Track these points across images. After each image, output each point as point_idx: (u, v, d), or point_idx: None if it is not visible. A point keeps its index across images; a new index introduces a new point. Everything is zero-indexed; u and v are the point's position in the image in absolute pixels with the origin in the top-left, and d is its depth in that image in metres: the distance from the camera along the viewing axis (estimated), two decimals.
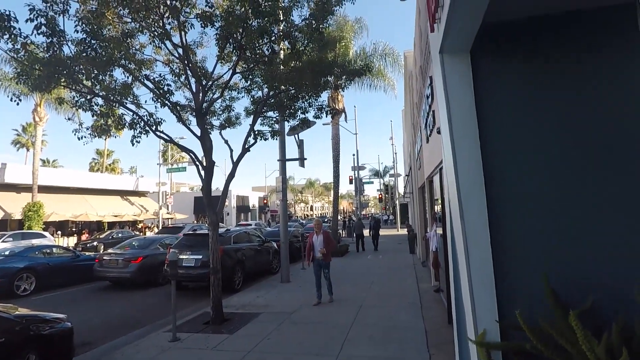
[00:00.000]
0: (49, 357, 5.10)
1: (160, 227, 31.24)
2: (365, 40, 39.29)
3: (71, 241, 26.57)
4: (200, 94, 7.77)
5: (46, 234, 21.67)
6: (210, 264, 7.66)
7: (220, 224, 8.23)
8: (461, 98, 3.66)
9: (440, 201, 7.28)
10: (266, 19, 6.95)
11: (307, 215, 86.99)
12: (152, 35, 7.16)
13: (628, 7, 3.42)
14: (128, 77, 7.24)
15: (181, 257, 10.33)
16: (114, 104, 7.24)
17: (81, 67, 6.24)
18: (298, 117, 9.61)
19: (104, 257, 12.18)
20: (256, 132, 8.93)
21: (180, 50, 7.33)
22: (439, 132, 5.00)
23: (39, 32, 5.72)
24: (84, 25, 6.17)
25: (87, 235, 27.24)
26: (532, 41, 3.67)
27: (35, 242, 18.20)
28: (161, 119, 7.52)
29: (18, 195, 25.90)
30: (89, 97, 6.93)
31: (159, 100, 7.43)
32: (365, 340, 6.13)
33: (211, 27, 6.93)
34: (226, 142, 8.81)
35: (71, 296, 10.92)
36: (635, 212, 3.30)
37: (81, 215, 28.30)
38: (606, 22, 3.51)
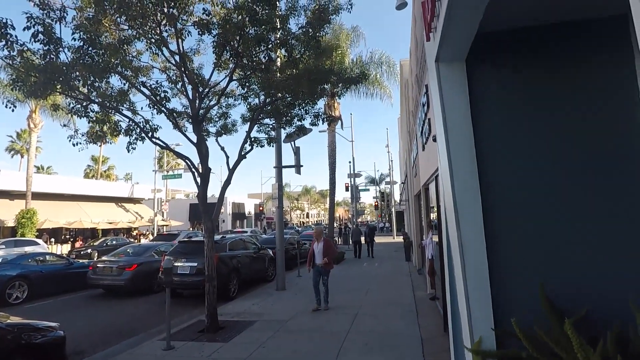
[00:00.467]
0: None
1: (155, 234, 31.04)
2: (361, 49, 39.57)
3: (65, 248, 26.31)
4: (197, 101, 7.78)
5: (39, 241, 21.46)
6: (206, 271, 7.61)
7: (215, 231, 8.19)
8: (457, 106, 3.70)
9: (436, 209, 7.29)
10: (263, 27, 7.00)
11: (303, 222, 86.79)
12: (149, 42, 7.18)
13: (619, 18, 3.48)
14: (124, 84, 7.24)
15: (176, 264, 10.26)
16: (110, 111, 7.23)
17: (77, 73, 6.25)
18: (294, 125, 9.63)
19: (98, 265, 12.06)
20: (252, 139, 8.94)
21: (177, 58, 7.36)
22: (434, 140, 5.03)
23: (36, 40, 5.72)
24: (81, 32, 6.17)
25: (81, 242, 26.99)
26: (526, 51, 3.72)
27: (28, 249, 18.01)
28: (157, 126, 7.53)
29: (11, 202, 25.68)
30: (85, 103, 6.92)
31: (156, 107, 7.43)
32: (361, 348, 6.09)
33: (208, 35, 6.98)
34: (222, 148, 8.81)
35: (64, 304, 10.79)
36: (629, 220, 3.32)
37: (75, 222, 28.07)
38: (598, 32, 3.57)
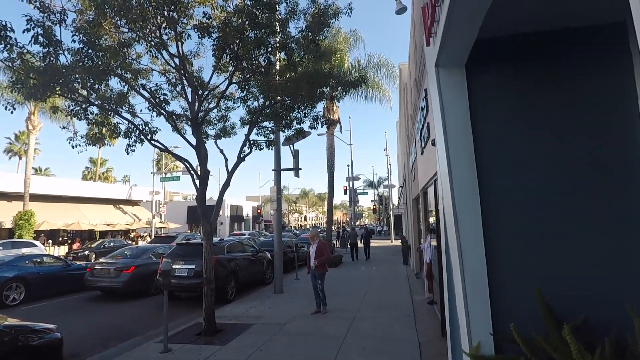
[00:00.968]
0: None
1: (153, 237, 30.96)
2: (360, 52, 39.78)
3: (62, 250, 26.23)
4: (196, 104, 7.78)
5: (37, 242, 21.39)
6: (204, 273, 7.59)
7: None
8: (456, 110, 3.72)
9: (434, 213, 7.30)
10: (263, 30, 7.02)
11: (301, 225, 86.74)
12: (148, 45, 7.20)
13: (618, 25, 3.50)
14: (124, 87, 7.25)
15: (174, 266, 10.23)
16: (110, 113, 7.24)
17: (77, 76, 6.25)
18: (293, 128, 9.64)
19: (96, 267, 12.02)
20: (251, 142, 8.95)
21: (176, 60, 7.37)
22: (433, 144, 5.05)
23: (36, 42, 5.72)
24: (80, 35, 6.18)
25: (78, 244, 26.90)
26: (525, 56, 3.74)
27: (26, 251, 17.93)
28: (156, 128, 7.53)
29: (9, 203, 25.60)
30: (84, 105, 6.92)
31: (155, 109, 7.44)
32: (359, 352, 6.08)
33: (208, 38, 6.99)
34: (221, 151, 8.82)
35: (61, 306, 10.75)
36: (628, 226, 3.34)
37: (73, 224, 27.99)
38: (597, 39, 3.60)
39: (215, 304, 7.65)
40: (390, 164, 42.52)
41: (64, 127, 7.66)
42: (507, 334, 3.16)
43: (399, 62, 18.04)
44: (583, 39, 3.63)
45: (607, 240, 3.36)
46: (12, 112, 6.84)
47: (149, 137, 7.42)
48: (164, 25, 6.79)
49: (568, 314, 3.19)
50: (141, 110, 7.59)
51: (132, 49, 7.42)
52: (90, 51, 6.25)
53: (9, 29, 5.51)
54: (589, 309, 3.21)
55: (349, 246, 22.84)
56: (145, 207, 38.54)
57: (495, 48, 3.76)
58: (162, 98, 7.34)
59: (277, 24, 7.49)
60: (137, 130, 7.32)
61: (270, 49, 7.60)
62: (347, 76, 15.04)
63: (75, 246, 26.32)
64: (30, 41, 5.68)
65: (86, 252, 22.39)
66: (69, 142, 7.19)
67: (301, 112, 9.03)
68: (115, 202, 35.20)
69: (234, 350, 6.34)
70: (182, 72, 7.41)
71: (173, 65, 7.54)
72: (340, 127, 23.78)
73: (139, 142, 7.42)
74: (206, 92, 8.01)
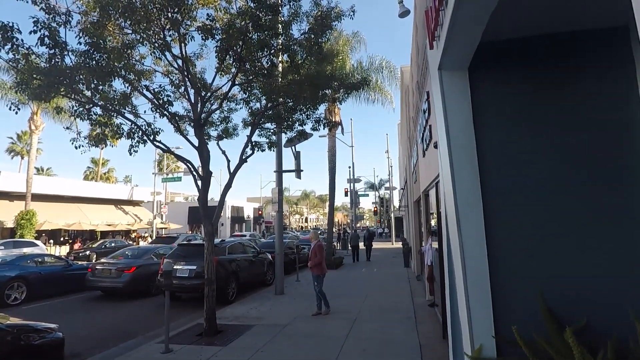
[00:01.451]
0: None
1: (154, 237, 30.98)
2: (362, 54, 39.77)
3: (63, 250, 26.25)
4: (199, 105, 7.81)
5: (38, 242, 21.41)
6: (205, 274, 7.60)
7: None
8: (459, 113, 3.73)
9: (436, 215, 7.31)
10: (266, 32, 7.05)
11: (302, 227, 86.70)
12: (152, 46, 7.23)
13: (621, 29, 3.52)
14: (127, 88, 7.27)
15: (175, 267, 10.24)
16: (113, 114, 7.26)
17: (82, 77, 6.28)
18: (295, 129, 9.66)
19: (97, 267, 12.04)
20: (253, 143, 8.98)
21: (180, 62, 7.40)
22: (435, 147, 5.06)
23: (42, 44, 5.76)
24: (85, 36, 6.22)
25: (79, 244, 26.93)
26: (528, 59, 3.76)
27: (27, 250, 17.96)
28: (159, 129, 7.55)
29: (11, 203, 25.65)
30: (88, 106, 6.95)
31: (158, 110, 7.46)
32: (360, 354, 6.08)
33: (211, 40, 7.01)
34: (223, 152, 8.84)
35: (62, 306, 10.76)
36: (631, 231, 3.34)
37: (74, 224, 28.03)
38: (599, 43, 3.61)
39: (216, 305, 7.66)
40: (391, 166, 42.55)
41: (67, 128, 7.67)
42: (509, 336, 3.17)
43: (400, 64, 18.07)
44: (585, 42, 3.65)
45: (609, 242, 3.37)
46: (16, 113, 6.89)
47: (151, 138, 7.45)
48: (167, 26, 6.82)
49: (570, 316, 3.20)
50: (145, 112, 7.60)
51: (136, 50, 7.46)
52: (94, 52, 6.28)
53: (15, 30, 5.54)
54: (591, 312, 3.21)
55: (350, 248, 22.96)
56: (146, 207, 38.59)
57: (498, 51, 3.78)
58: (165, 99, 7.36)
59: (280, 26, 7.53)
60: (140, 131, 7.34)
61: (273, 51, 7.63)
62: (349, 78, 15.06)
63: (76, 246, 26.35)
64: (37, 43, 5.72)
65: (87, 252, 22.40)
66: (72, 143, 7.22)
67: (303, 114, 9.05)
68: (117, 203, 35.25)
69: (235, 352, 6.35)
70: (185, 73, 7.44)
71: (176, 66, 7.57)
72: (342, 129, 23.82)
73: (141, 143, 7.44)
74: (209, 94, 8.03)
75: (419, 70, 8.48)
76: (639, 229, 3.32)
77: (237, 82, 8.09)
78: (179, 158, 8.19)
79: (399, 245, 25.99)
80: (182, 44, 7.12)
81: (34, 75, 6.02)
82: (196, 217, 45.49)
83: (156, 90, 7.36)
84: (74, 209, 29.72)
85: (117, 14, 6.31)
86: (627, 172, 3.43)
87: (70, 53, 6.28)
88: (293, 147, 12.81)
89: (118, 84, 7.22)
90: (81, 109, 6.98)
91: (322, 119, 9.64)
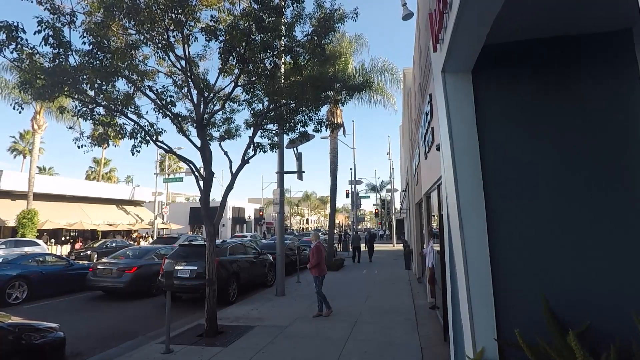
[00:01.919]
0: None
1: (155, 237, 30.99)
2: (364, 56, 39.82)
3: (65, 249, 26.28)
4: (202, 106, 7.83)
5: (39, 242, 21.43)
6: (206, 275, 7.61)
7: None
8: (462, 116, 3.74)
9: (437, 217, 7.30)
10: (269, 34, 7.06)
11: (303, 228, 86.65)
12: (156, 47, 7.25)
13: (624, 32, 3.52)
14: (130, 88, 7.29)
15: (176, 267, 10.25)
16: (116, 114, 7.28)
17: (85, 77, 6.30)
18: (297, 131, 9.67)
19: (98, 267, 12.05)
20: (256, 144, 8.99)
21: (183, 62, 7.42)
22: (438, 149, 5.06)
23: (46, 43, 5.78)
24: (89, 36, 6.24)
25: (80, 243, 26.95)
26: (531, 62, 3.76)
27: (28, 250, 18.00)
28: (162, 129, 7.57)
29: (13, 202, 25.69)
30: (91, 106, 6.97)
31: (161, 110, 7.48)
32: (360, 356, 6.08)
33: (215, 41, 7.03)
34: (226, 153, 8.86)
35: (63, 305, 10.78)
36: (633, 233, 3.34)
37: (76, 223, 28.06)
38: (603, 47, 3.61)
39: (217, 306, 7.66)
40: (392, 168, 42.60)
41: (70, 128, 7.70)
42: (512, 339, 3.16)
43: (399, 66, 18.08)
44: (588, 45, 3.65)
45: (613, 245, 3.37)
46: (20, 112, 6.91)
47: (154, 138, 7.46)
48: (171, 27, 6.84)
49: (572, 319, 3.19)
50: (147, 112, 7.61)
51: (140, 51, 7.47)
52: (98, 52, 6.30)
53: (20, 30, 5.57)
54: (594, 315, 3.21)
55: (351, 249, 23.07)
56: (147, 207, 38.61)
57: (502, 54, 3.78)
58: (168, 99, 7.37)
59: (284, 27, 7.54)
60: (143, 131, 7.36)
61: (276, 53, 7.64)
62: (351, 80, 15.09)
63: (77, 246, 26.37)
64: (40, 42, 5.74)
65: (88, 252, 22.39)
66: (75, 143, 7.24)
67: (305, 115, 9.06)
68: (118, 203, 35.28)
69: (235, 352, 6.35)
70: (188, 74, 7.45)
71: (179, 67, 7.59)
72: (344, 130, 23.87)
73: (144, 143, 7.46)
74: (212, 95, 8.05)
75: (422, 72, 8.49)
76: None
77: (239, 83, 8.11)
78: (181, 158, 8.20)
79: (400, 247, 25.98)
80: (186, 45, 7.14)
81: (38, 75, 6.04)
82: (197, 218, 45.51)
83: (159, 90, 7.38)
84: (76, 209, 29.76)
85: (122, 14, 6.34)
86: (630, 174, 3.43)
87: (74, 53, 6.30)
88: (295, 149, 12.82)
89: (121, 84, 7.26)
90: (84, 108, 7.01)
91: (324, 120, 9.65)
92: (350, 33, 20.48)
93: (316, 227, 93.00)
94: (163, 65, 8.42)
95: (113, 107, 7.08)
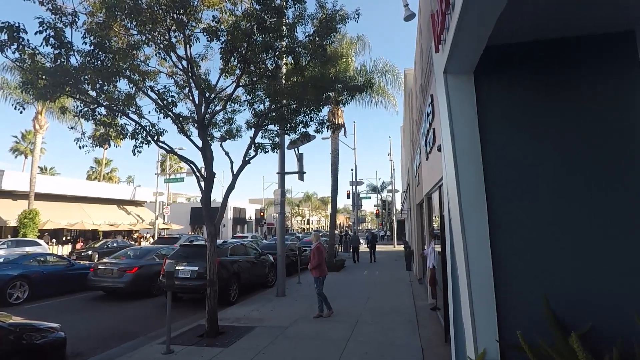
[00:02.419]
0: None
1: (156, 238, 31.01)
2: (366, 57, 39.74)
3: (66, 249, 26.31)
4: (203, 106, 7.83)
5: (40, 241, 21.46)
6: (207, 275, 7.60)
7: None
8: (464, 116, 3.73)
9: (438, 218, 7.29)
10: (271, 34, 7.06)
11: (304, 229, 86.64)
12: (157, 47, 7.25)
13: (626, 34, 3.51)
14: (132, 88, 7.30)
15: (177, 268, 10.25)
16: (117, 114, 7.29)
17: (87, 77, 6.30)
18: (299, 131, 9.67)
19: (99, 267, 12.06)
20: (257, 145, 8.99)
21: (184, 63, 7.42)
22: (439, 150, 5.06)
23: (47, 44, 5.79)
24: (91, 37, 6.24)
25: (81, 244, 26.98)
26: (534, 64, 3.75)
27: (29, 249, 18.02)
28: (163, 130, 7.57)
29: (14, 202, 25.72)
30: (92, 106, 6.98)
31: (162, 111, 7.48)
32: (361, 357, 6.07)
33: (216, 41, 7.03)
34: (227, 153, 8.86)
35: (64, 305, 10.78)
36: (636, 234, 3.33)
37: (77, 223, 28.08)
38: (606, 48, 3.60)
39: (217, 306, 7.66)
40: (394, 169, 42.56)
41: (71, 128, 7.71)
42: (513, 340, 3.16)
43: (400, 66, 18.10)
44: (591, 47, 3.64)
45: (614, 246, 3.36)
46: (21, 112, 6.92)
47: (155, 138, 7.46)
48: (173, 28, 6.84)
49: (574, 321, 3.19)
50: (149, 112, 7.62)
51: (141, 51, 7.48)
52: (100, 53, 6.31)
53: (21, 30, 5.58)
54: (595, 316, 3.20)
55: (351, 250, 23.13)
56: (148, 207, 38.64)
57: (504, 55, 3.77)
58: (169, 100, 7.38)
59: (285, 28, 7.54)
60: (144, 132, 7.36)
61: (277, 53, 7.64)
62: (352, 81, 15.10)
63: (78, 246, 26.41)
64: (42, 43, 5.74)
65: (89, 252, 22.43)
66: (76, 143, 7.24)
67: (307, 116, 9.06)
68: (119, 203, 35.31)
69: (236, 353, 6.34)
70: (190, 74, 7.46)
71: (181, 67, 7.59)
72: (345, 131, 23.86)
73: (145, 144, 7.47)
74: (213, 95, 8.05)
75: (423, 73, 8.48)
76: None
77: (241, 84, 8.11)
78: (182, 159, 8.21)
79: (401, 248, 25.97)
80: (187, 45, 7.14)
81: (40, 75, 6.05)
82: (198, 218, 45.51)
83: (161, 91, 7.39)
84: (77, 209, 29.79)
85: (123, 14, 6.34)
86: (630, 175, 3.42)
87: (75, 53, 6.31)
88: (296, 149, 12.82)
89: (123, 85, 7.26)
90: (86, 109, 7.01)
91: (325, 121, 9.65)
92: (352, 34, 20.51)
93: (317, 227, 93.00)
94: (164, 66, 8.43)
95: (114, 108, 7.09)
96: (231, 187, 8.35)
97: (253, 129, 8.98)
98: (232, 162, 8.60)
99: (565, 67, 3.71)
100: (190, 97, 8.06)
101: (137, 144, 7.36)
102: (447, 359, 5.66)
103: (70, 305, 10.87)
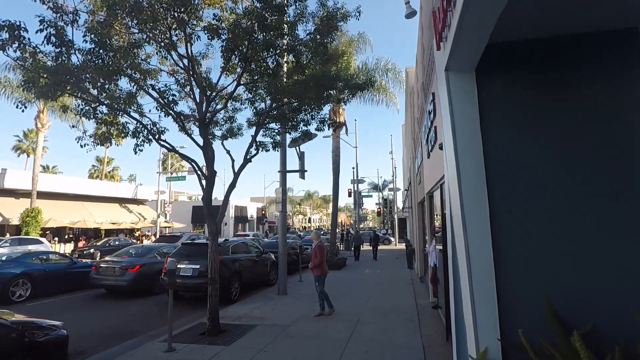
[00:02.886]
0: None
1: (158, 236, 31.08)
2: (367, 55, 39.77)
3: (68, 248, 26.40)
4: (204, 104, 7.82)
5: (43, 240, 21.54)
6: (209, 274, 7.61)
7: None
8: (466, 115, 3.71)
9: (440, 216, 7.28)
10: (272, 32, 7.05)
11: (305, 227, 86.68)
12: (158, 45, 7.25)
13: (630, 31, 3.49)
14: (133, 87, 7.30)
15: (179, 266, 10.26)
16: (118, 113, 7.29)
17: (88, 75, 6.31)
18: (300, 130, 9.66)
19: (101, 265, 12.09)
20: (258, 143, 8.98)
21: (185, 61, 7.41)
22: (440, 148, 5.04)
23: (48, 42, 5.79)
24: (92, 35, 6.25)
25: (84, 242, 27.07)
26: (536, 61, 3.73)
27: (32, 248, 18.09)
28: (164, 128, 7.57)
29: (17, 200, 25.82)
30: (93, 105, 6.98)
31: (163, 109, 7.48)
32: (362, 356, 6.07)
33: (217, 40, 7.02)
34: (228, 152, 8.85)
35: (66, 303, 10.81)
36: (637, 234, 3.31)
37: (79, 221, 28.18)
38: (609, 45, 3.58)
39: (219, 304, 7.67)
40: (395, 167, 42.49)
41: (73, 126, 7.73)
42: (515, 340, 3.15)
43: (400, 64, 18.07)
44: (593, 44, 3.62)
45: (616, 245, 3.34)
46: (23, 111, 6.93)
47: (156, 137, 7.47)
48: (174, 26, 6.83)
49: (576, 320, 3.17)
50: (150, 111, 7.64)
51: (142, 50, 7.48)
52: (101, 51, 6.31)
53: (22, 28, 5.58)
54: (598, 316, 3.19)
55: (353, 249, 23.20)
56: (150, 206, 38.72)
57: (506, 53, 3.75)
58: (170, 98, 7.38)
59: (286, 26, 7.52)
60: (145, 130, 7.37)
61: (278, 51, 7.62)
62: (354, 79, 15.07)
63: (80, 244, 26.50)
64: (43, 41, 5.74)
65: (91, 250, 22.53)
66: (78, 141, 7.25)
67: (308, 114, 9.05)
68: (121, 201, 35.40)
69: (237, 351, 6.35)
70: (191, 72, 7.45)
71: (182, 66, 7.58)
72: (346, 129, 23.86)
73: (146, 142, 7.47)
74: (214, 93, 8.04)
75: (424, 71, 8.46)
76: None
77: (242, 82, 8.10)
78: (184, 157, 8.21)
79: (402, 246, 25.99)
80: (188, 44, 7.13)
81: (41, 74, 6.05)
82: (200, 216, 45.59)
83: (162, 89, 7.39)
84: (79, 207, 29.87)
85: (124, 13, 6.34)
86: (632, 175, 3.40)
87: (76, 52, 6.31)
88: (297, 148, 12.82)
89: (124, 83, 7.25)
90: (87, 107, 7.01)
91: (326, 119, 9.63)
92: (353, 32, 20.48)
93: (318, 226, 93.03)
94: (165, 64, 8.42)
95: (116, 106, 7.09)
96: (232, 186, 8.35)
97: (254, 128, 8.98)
98: (233, 161, 8.60)
99: (566, 66, 3.69)
100: (191, 96, 8.06)
101: (139, 143, 7.37)
102: (448, 358, 5.66)
103: (72, 303, 10.90)
